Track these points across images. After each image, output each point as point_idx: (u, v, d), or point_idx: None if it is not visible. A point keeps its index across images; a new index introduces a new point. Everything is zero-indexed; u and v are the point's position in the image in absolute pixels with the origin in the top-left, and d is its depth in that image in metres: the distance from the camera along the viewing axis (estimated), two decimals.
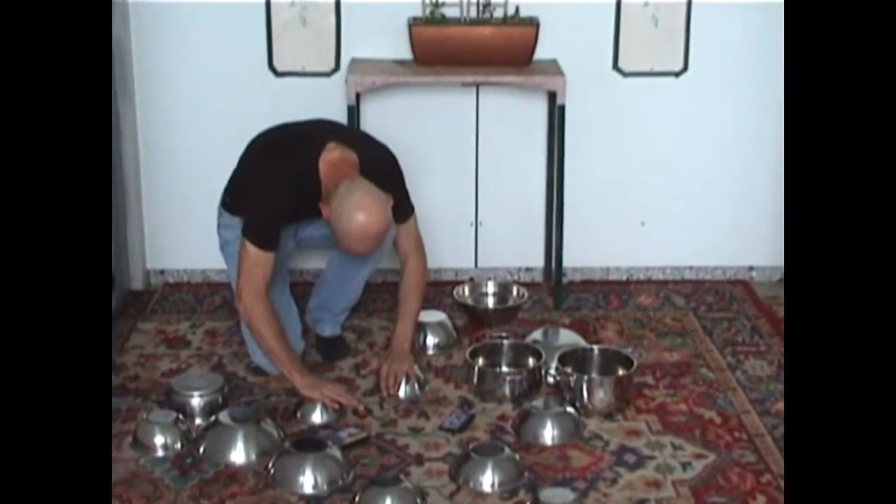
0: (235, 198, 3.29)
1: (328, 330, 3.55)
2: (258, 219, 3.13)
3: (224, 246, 3.36)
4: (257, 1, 3.86)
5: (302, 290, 3.68)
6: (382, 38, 3.89)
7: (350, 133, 3.46)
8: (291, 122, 3.34)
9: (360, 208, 2.97)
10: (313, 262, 3.97)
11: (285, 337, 3.18)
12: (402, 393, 3.24)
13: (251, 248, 3.09)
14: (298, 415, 3.11)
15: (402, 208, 3.26)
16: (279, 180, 3.10)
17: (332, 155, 3.11)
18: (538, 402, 3.10)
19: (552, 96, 3.83)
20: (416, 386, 3.27)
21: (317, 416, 3.09)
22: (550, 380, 3.29)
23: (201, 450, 2.92)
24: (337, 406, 3.11)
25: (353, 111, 3.68)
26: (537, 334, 3.61)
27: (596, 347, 3.41)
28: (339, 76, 3.89)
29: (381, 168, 3.18)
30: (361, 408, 3.14)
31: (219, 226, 3.38)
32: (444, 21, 3.78)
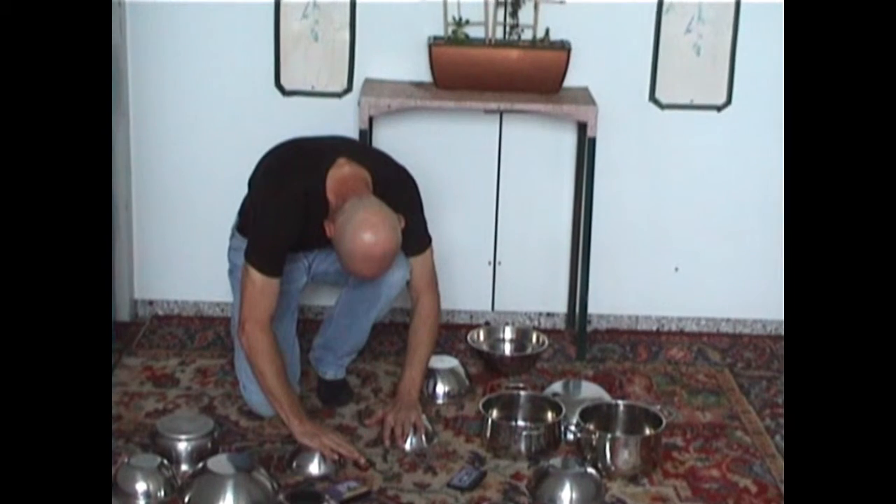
0: (245, 219, 3.32)
1: (331, 373, 3.56)
2: (261, 241, 3.15)
3: (232, 271, 3.39)
4: (265, 9, 3.89)
5: (305, 327, 3.69)
6: (400, 58, 3.93)
7: (365, 150, 3.47)
8: (304, 138, 3.36)
9: (366, 226, 2.97)
10: (321, 299, 3.99)
11: (287, 377, 3.20)
12: (407, 445, 3.24)
13: (255, 274, 3.11)
14: (294, 465, 3.12)
15: (417, 238, 3.27)
16: (284, 200, 3.12)
17: (342, 171, 3.13)
18: (556, 461, 3.10)
19: (582, 127, 3.85)
20: (424, 438, 3.27)
21: (314, 467, 3.10)
22: (570, 437, 3.29)
23: (187, 499, 2.91)
24: (336, 457, 3.11)
25: (366, 136, 3.71)
26: (557, 386, 3.61)
27: (621, 403, 3.40)
28: (352, 97, 3.93)
29: (397, 189, 3.19)
30: (363, 460, 3.14)
31: (229, 248, 3.41)
32: (467, 42, 3.81)
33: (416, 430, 3.26)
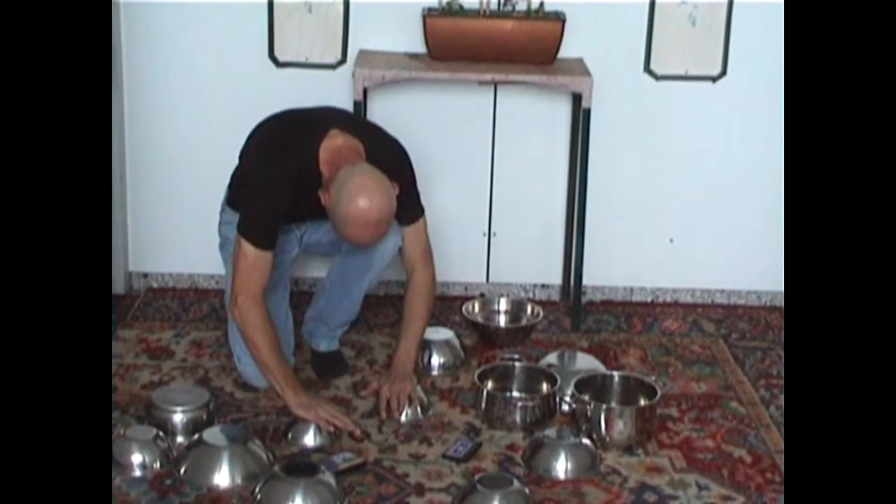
0: (236, 192, 3.30)
1: (324, 344, 3.55)
2: (254, 215, 3.14)
3: (224, 244, 3.39)
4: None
5: (298, 300, 3.68)
6: (394, 29, 3.91)
7: (357, 121, 3.46)
8: (295, 109, 3.34)
9: (361, 191, 2.96)
10: (314, 271, 3.98)
11: (280, 349, 3.19)
12: (403, 417, 3.24)
13: (247, 247, 3.10)
14: (290, 436, 3.11)
15: (410, 208, 3.25)
16: (277, 172, 3.11)
17: (335, 142, 3.12)
18: (551, 432, 3.10)
19: (577, 98, 3.83)
20: (419, 409, 3.27)
21: (309, 439, 3.09)
22: (565, 408, 3.29)
23: (182, 471, 2.91)
24: (332, 429, 3.10)
25: (360, 107, 3.68)
26: (552, 357, 3.61)
27: (616, 374, 3.40)
28: (346, 69, 3.90)
29: (389, 160, 3.16)
30: (358, 431, 3.14)
31: (220, 223, 3.41)
32: (461, 13, 3.79)
33: (410, 402, 3.26)
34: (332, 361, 3.56)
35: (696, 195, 4.11)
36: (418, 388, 3.32)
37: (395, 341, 3.48)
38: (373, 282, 3.46)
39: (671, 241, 4.16)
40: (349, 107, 3.67)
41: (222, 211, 3.41)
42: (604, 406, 3.18)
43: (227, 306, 3.33)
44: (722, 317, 4.10)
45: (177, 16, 3.91)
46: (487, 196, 4.10)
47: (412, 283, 3.36)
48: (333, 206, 3.00)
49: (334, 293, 3.49)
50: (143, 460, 2.93)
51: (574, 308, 3.96)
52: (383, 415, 3.25)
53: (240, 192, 3.27)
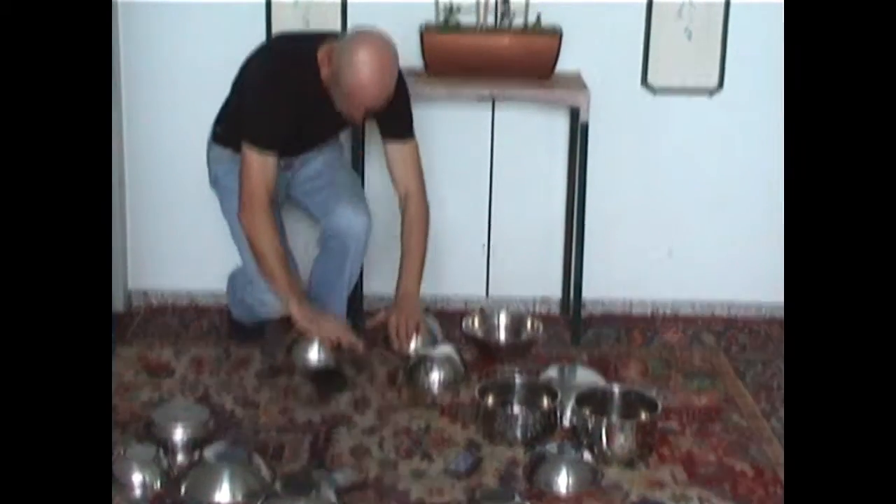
0: (229, 123, 3.38)
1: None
2: (257, 118, 3.23)
3: (215, 181, 3.49)
4: (257, 0, 3.89)
5: None
6: None
7: None
8: (287, 34, 3.51)
9: (363, 42, 3.10)
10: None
11: (286, 259, 3.26)
12: (412, 345, 3.27)
13: (251, 154, 3.19)
14: (293, 354, 3.11)
15: (404, 122, 3.38)
16: (277, 79, 3.22)
17: (330, 46, 3.22)
18: (552, 447, 3.09)
19: (575, 113, 3.83)
20: (428, 339, 3.32)
21: (313, 355, 3.13)
22: (566, 422, 3.28)
23: (183, 489, 2.90)
24: (334, 342, 3.13)
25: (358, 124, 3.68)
26: (553, 372, 3.60)
27: (617, 388, 3.39)
28: None
29: None
30: (361, 346, 3.16)
31: (208, 160, 3.51)
32: (458, 28, 3.79)
33: (418, 331, 3.31)
34: (332, 377, 3.54)
35: (695, 207, 4.11)
36: (428, 319, 3.36)
37: (392, 352, 3.52)
38: (352, 274, 3.50)
39: (670, 253, 4.16)
40: None
41: (209, 150, 3.51)
42: (605, 420, 3.17)
43: (231, 219, 3.41)
44: (722, 329, 4.09)
45: (176, 34, 3.92)
46: (486, 210, 4.10)
47: (407, 212, 3.46)
48: (338, 68, 3.11)
49: (319, 293, 3.52)
50: (144, 479, 2.92)
51: (574, 322, 3.95)
52: (395, 346, 3.28)
53: (231, 123, 3.35)
